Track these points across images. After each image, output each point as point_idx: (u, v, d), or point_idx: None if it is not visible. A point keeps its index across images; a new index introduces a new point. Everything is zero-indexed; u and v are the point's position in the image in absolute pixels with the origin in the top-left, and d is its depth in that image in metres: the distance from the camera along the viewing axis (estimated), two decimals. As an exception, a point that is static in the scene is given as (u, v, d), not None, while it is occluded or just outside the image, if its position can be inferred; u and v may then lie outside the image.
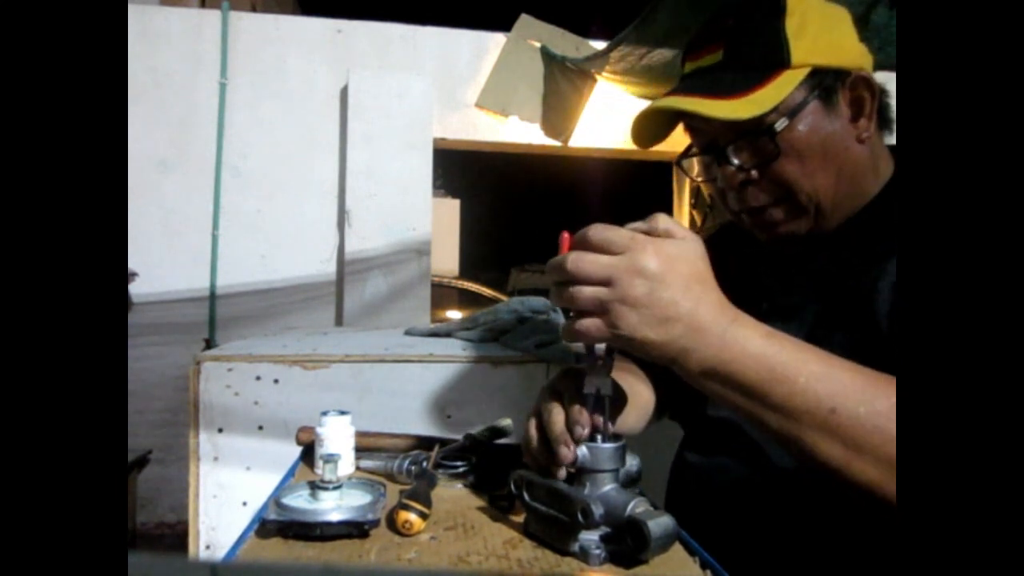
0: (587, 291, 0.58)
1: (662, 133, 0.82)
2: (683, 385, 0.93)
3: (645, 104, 0.88)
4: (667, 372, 0.94)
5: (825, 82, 0.74)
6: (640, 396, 0.91)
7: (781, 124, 0.73)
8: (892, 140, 0.83)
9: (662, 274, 0.57)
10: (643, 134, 0.81)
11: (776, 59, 0.73)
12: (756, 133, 0.74)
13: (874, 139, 0.79)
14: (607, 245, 0.58)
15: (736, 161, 0.76)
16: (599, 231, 0.59)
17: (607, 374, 0.64)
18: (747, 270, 0.86)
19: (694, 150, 0.82)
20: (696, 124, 0.79)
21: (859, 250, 0.76)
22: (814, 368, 0.58)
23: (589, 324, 0.58)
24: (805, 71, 0.73)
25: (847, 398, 0.57)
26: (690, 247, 0.60)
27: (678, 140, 0.85)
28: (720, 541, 0.66)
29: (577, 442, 0.63)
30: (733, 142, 0.76)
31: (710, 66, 0.76)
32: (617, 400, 0.70)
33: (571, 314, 0.60)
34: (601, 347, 0.64)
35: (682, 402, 0.93)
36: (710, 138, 0.79)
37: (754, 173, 0.76)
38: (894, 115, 0.82)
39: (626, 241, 0.58)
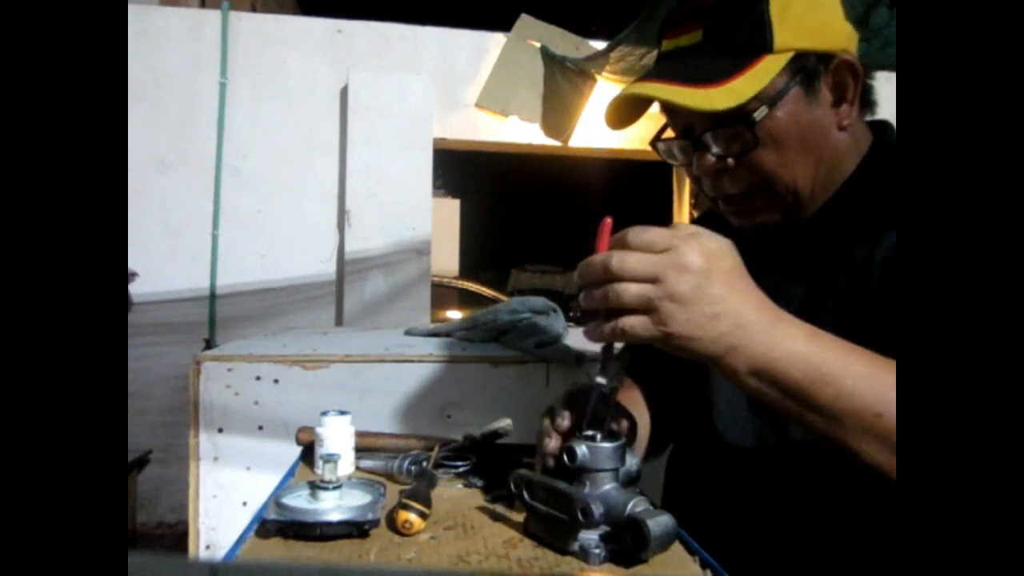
0: (634, 288, 0.56)
1: (635, 115, 0.79)
2: (686, 407, 0.88)
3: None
4: (669, 396, 0.91)
5: (808, 66, 0.70)
6: (643, 424, 0.87)
7: (760, 113, 0.69)
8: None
9: (707, 269, 0.56)
10: (616, 116, 0.78)
11: (758, 43, 0.69)
12: (734, 121, 0.70)
13: (855, 123, 0.76)
14: (649, 245, 0.57)
15: (713, 149, 0.73)
16: (639, 232, 0.58)
17: (621, 371, 0.63)
18: None
19: (668, 133, 0.80)
20: (672, 107, 0.75)
21: (839, 231, 0.74)
22: (860, 370, 0.57)
23: (635, 322, 0.57)
24: (787, 56, 0.69)
25: (893, 401, 0.55)
26: (727, 243, 0.59)
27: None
28: (718, 543, 0.66)
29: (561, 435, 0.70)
30: (710, 129, 0.73)
31: (688, 47, 0.73)
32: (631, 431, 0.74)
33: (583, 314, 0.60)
34: (618, 346, 0.63)
35: (683, 424, 0.89)
36: (687, 122, 0.76)
37: (730, 162, 0.73)
38: (877, 98, 0.79)
39: (667, 239, 0.57)
